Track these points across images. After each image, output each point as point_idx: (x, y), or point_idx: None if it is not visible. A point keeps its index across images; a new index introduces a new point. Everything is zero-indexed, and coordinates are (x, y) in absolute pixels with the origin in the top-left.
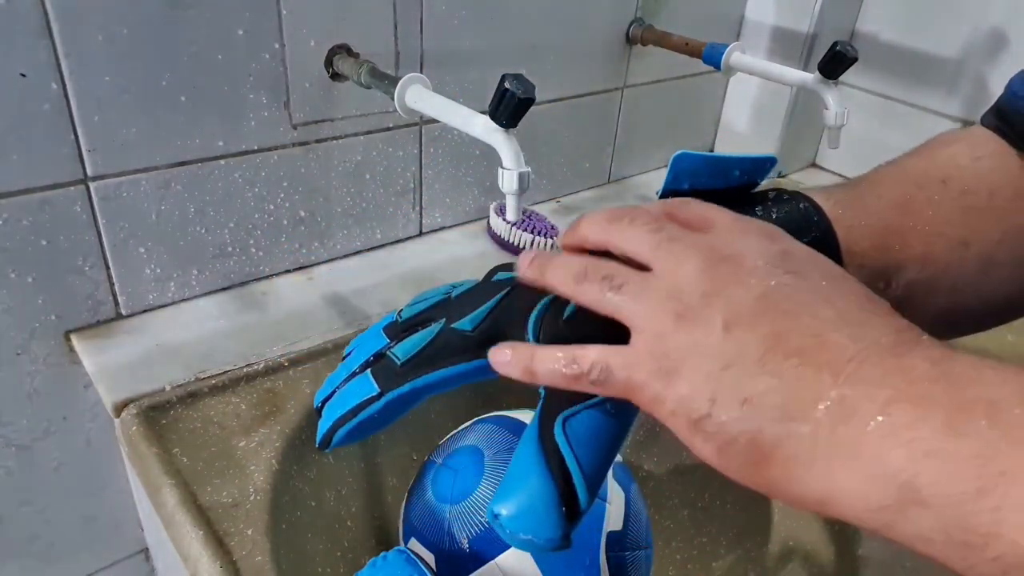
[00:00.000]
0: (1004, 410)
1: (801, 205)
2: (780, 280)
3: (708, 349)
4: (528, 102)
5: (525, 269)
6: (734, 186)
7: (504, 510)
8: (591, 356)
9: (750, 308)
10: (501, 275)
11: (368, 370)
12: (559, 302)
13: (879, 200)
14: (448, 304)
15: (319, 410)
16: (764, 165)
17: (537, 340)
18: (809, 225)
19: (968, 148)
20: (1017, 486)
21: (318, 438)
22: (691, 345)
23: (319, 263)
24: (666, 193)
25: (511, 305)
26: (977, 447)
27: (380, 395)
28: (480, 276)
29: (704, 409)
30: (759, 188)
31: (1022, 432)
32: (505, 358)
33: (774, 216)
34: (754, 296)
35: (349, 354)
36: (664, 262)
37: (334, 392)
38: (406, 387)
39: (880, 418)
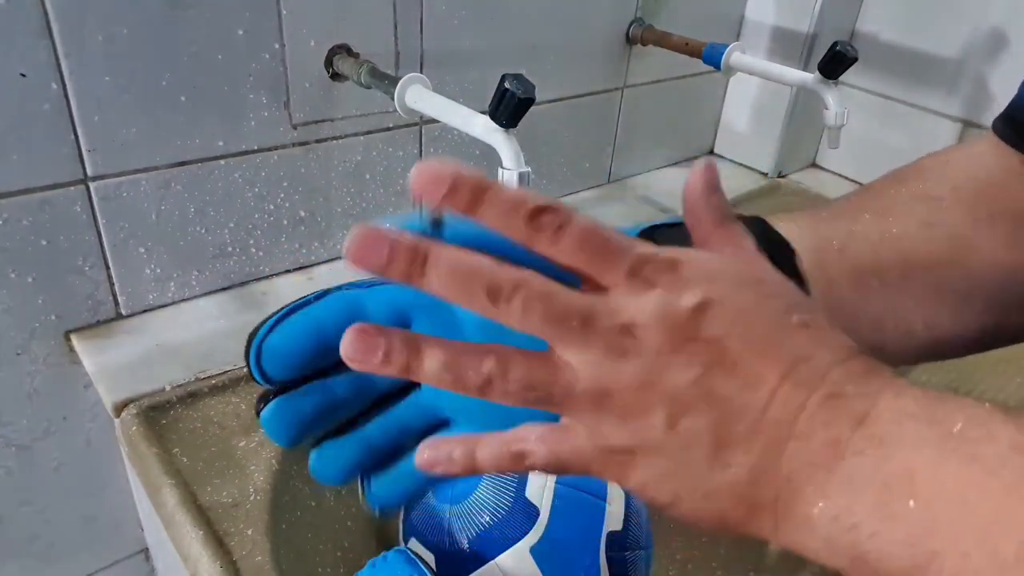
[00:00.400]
0: (924, 483)
1: (757, 230)
2: (713, 352)
3: (657, 448)
4: (528, 102)
5: (362, 353)
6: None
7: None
8: (539, 453)
9: (689, 396)
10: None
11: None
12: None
13: (849, 233)
14: None
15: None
16: None
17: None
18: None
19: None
20: (949, 560)
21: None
22: (638, 444)
23: (319, 263)
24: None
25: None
26: (906, 530)
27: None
28: None
29: (666, 500)
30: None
31: (943, 507)
32: (439, 459)
33: None
34: (690, 380)
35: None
36: (578, 359)
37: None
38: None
39: (821, 504)
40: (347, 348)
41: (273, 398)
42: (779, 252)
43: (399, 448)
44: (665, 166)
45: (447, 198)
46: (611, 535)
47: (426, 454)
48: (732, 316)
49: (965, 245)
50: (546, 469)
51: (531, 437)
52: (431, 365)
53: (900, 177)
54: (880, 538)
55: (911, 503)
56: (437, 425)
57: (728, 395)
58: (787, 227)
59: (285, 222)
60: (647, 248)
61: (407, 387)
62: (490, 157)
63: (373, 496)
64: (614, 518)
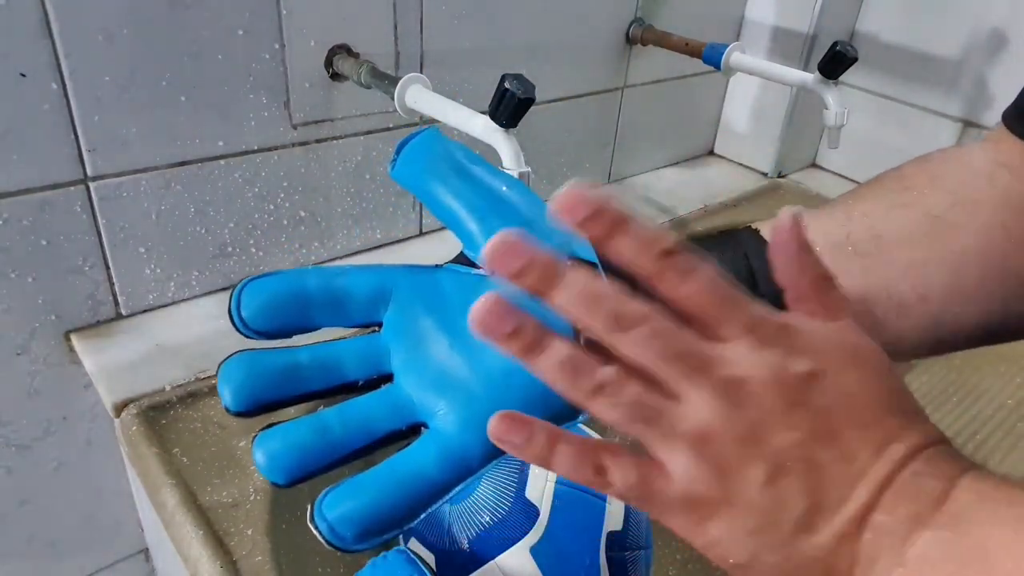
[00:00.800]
0: (999, 560)
1: (743, 237)
2: (818, 421)
3: (747, 504)
4: (528, 102)
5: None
6: None
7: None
8: (623, 477)
9: (790, 458)
10: None
11: None
12: None
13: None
14: None
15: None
16: None
17: None
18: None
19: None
20: None
21: None
22: (728, 497)
23: (319, 263)
24: None
25: None
26: None
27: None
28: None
29: (742, 558)
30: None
31: None
32: (518, 439)
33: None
34: (793, 442)
35: None
36: (691, 397)
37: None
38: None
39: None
40: (479, 311)
41: (237, 352)
42: (745, 240)
43: (359, 453)
44: (665, 166)
45: (588, 222)
46: (611, 535)
47: (502, 424)
48: (838, 389)
49: (942, 224)
50: (622, 496)
51: (621, 459)
52: (554, 354)
53: (878, 176)
54: None
55: None
56: (405, 431)
57: (825, 463)
58: (750, 224)
59: (285, 222)
60: (762, 308)
61: (377, 383)
62: (490, 157)
63: (321, 516)
64: (614, 518)
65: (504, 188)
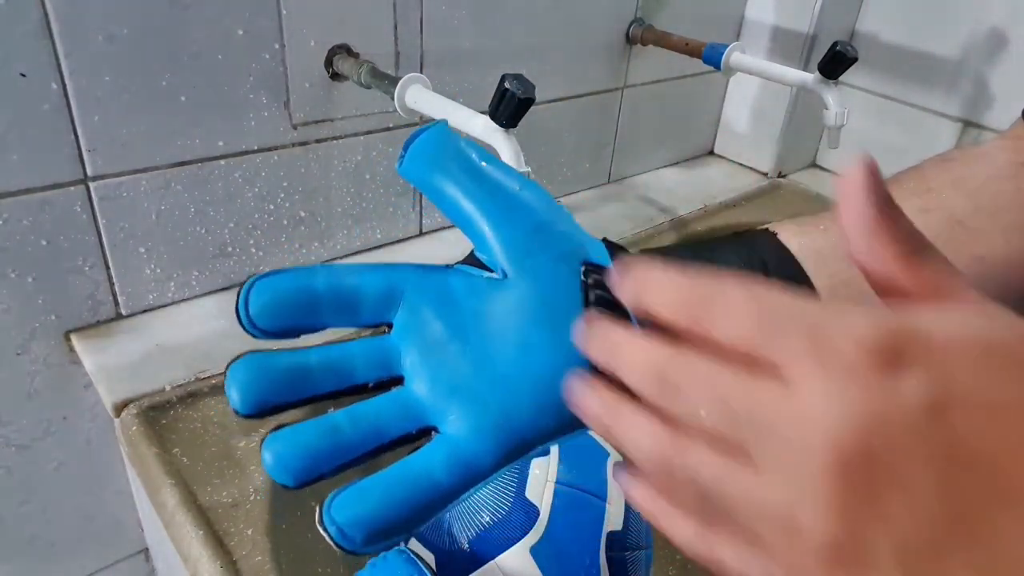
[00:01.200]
0: None
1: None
2: (960, 476)
3: None
4: (528, 102)
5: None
6: None
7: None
8: (728, 553)
9: (926, 543)
10: None
11: None
12: None
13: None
14: None
15: None
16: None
17: None
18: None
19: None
20: None
21: None
22: None
23: (319, 263)
24: None
25: None
26: None
27: None
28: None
29: None
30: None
31: None
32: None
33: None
34: (925, 520)
35: None
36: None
37: None
38: None
39: None
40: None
41: (246, 353)
42: (760, 242)
43: (369, 455)
44: (665, 166)
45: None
46: (611, 535)
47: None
48: (985, 413)
49: (965, 230)
50: (718, 567)
51: (724, 546)
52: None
53: (896, 176)
54: None
55: None
56: (415, 434)
57: (994, 536)
58: (767, 227)
59: (285, 222)
60: (828, 312)
61: (387, 384)
62: None
63: (331, 519)
64: (614, 518)
65: (517, 188)
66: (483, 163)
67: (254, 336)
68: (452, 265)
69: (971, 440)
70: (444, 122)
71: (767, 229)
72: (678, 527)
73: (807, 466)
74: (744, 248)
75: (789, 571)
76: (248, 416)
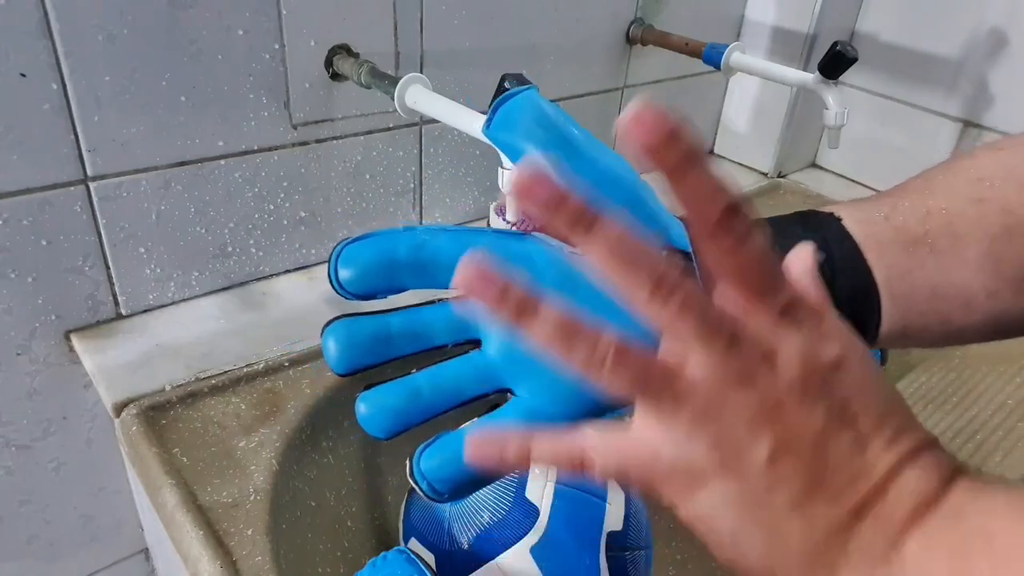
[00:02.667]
0: (1002, 544)
1: (833, 226)
2: (836, 407)
3: (742, 478)
4: None
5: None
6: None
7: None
8: (601, 461)
9: (799, 439)
10: None
11: None
12: None
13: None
14: None
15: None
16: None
17: None
18: (837, 247)
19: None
20: None
21: None
22: (724, 470)
23: (319, 263)
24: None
25: None
26: None
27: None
28: None
29: (723, 533)
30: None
31: (1019, 566)
32: (489, 455)
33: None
34: (807, 424)
35: None
36: (711, 369)
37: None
38: None
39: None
40: (463, 270)
41: (337, 319)
42: (825, 226)
43: (447, 412)
44: None
45: (662, 150)
46: (611, 535)
47: (473, 448)
48: (860, 380)
49: (1017, 221)
50: (604, 476)
51: (594, 443)
52: (546, 318)
53: (948, 164)
54: None
55: (987, 565)
56: (491, 395)
57: (835, 450)
58: (831, 209)
59: (285, 222)
60: (795, 290)
61: (464, 346)
62: (490, 157)
63: (420, 473)
64: (614, 518)
65: (606, 161)
66: (571, 131)
67: (344, 298)
68: (531, 233)
69: (846, 389)
70: (534, 88)
71: (832, 213)
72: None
73: (753, 363)
74: (811, 232)
75: (674, 421)
76: (342, 375)
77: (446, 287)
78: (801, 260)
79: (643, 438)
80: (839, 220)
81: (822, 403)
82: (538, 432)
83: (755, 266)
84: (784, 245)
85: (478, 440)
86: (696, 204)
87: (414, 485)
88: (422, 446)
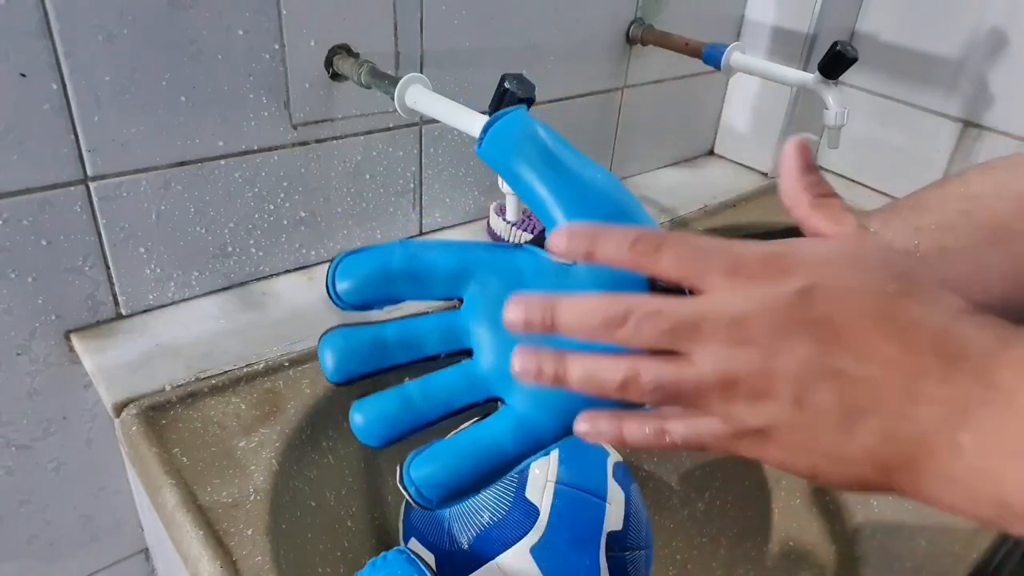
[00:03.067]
0: None
1: None
2: (822, 330)
3: (789, 426)
4: (528, 102)
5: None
6: None
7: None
8: (679, 432)
9: (808, 374)
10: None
11: None
12: None
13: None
14: None
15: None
16: None
17: None
18: None
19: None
20: None
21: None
22: (771, 424)
23: (319, 263)
24: None
25: None
26: None
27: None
28: None
29: (806, 471)
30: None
31: None
32: (591, 431)
33: None
34: (805, 358)
35: None
36: (699, 359)
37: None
38: None
39: (958, 460)
40: (515, 363)
41: (333, 329)
42: None
43: (439, 421)
44: (665, 166)
45: (572, 246)
46: (611, 535)
47: (583, 425)
48: (836, 295)
49: (1007, 232)
50: (687, 447)
51: (673, 418)
52: (576, 374)
53: (939, 183)
54: (1020, 487)
55: None
56: (482, 404)
57: (844, 368)
58: None
59: (285, 222)
60: (744, 247)
61: (457, 356)
62: None
63: (410, 479)
64: (614, 518)
65: (590, 176)
66: (558, 148)
67: (341, 309)
68: (521, 244)
69: (823, 307)
70: (523, 107)
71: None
72: (635, 432)
73: (723, 344)
74: None
75: (726, 420)
76: (338, 384)
77: (439, 298)
78: (795, 159)
79: (707, 415)
80: None
81: (806, 333)
82: (625, 413)
83: (679, 258)
84: None
85: (585, 420)
86: (616, 256)
87: (404, 492)
88: (413, 453)
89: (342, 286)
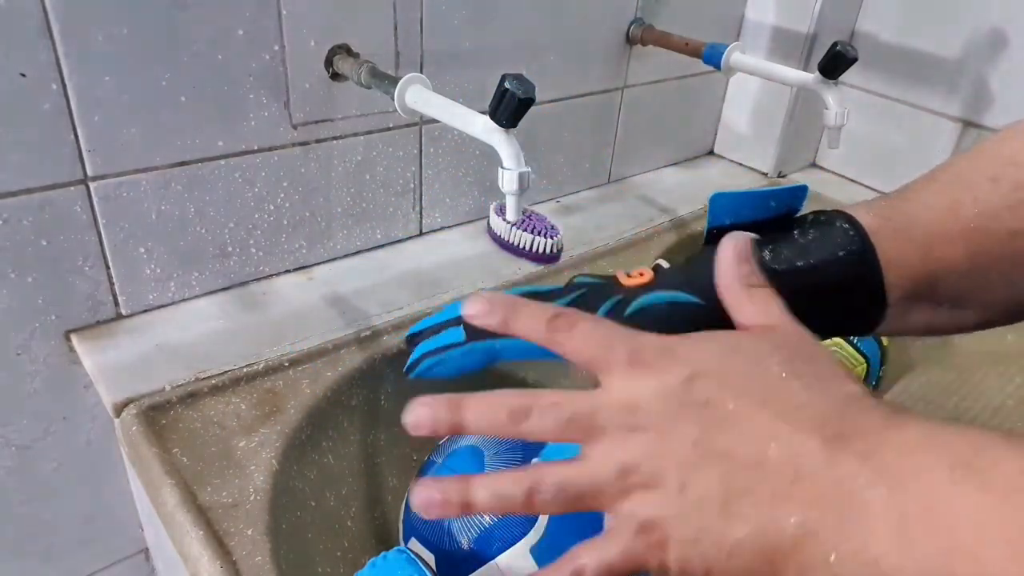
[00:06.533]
0: (942, 512)
1: (837, 224)
2: (707, 413)
3: (678, 516)
4: (528, 102)
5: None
6: (773, 216)
7: None
8: (592, 565)
9: (693, 456)
10: (580, 279)
11: (461, 324)
12: (623, 302)
13: (921, 207)
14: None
15: (409, 341)
16: (798, 194)
17: None
18: (845, 242)
19: None
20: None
21: (407, 365)
22: (663, 515)
23: (319, 263)
24: (711, 232)
25: (584, 304)
26: (928, 560)
27: (465, 343)
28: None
29: (700, 572)
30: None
31: (963, 535)
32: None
33: (809, 237)
34: (691, 440)
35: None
36: (595, 452)
37: (426, 331)
38: (487, 342)
39: (839, 545)
40: (416, 499)
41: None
42: (823, 219)
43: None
44: (665, 166)
45: (486, 318)
46: None
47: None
48: (721, 379)
49: (1000, 215)
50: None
51: (582, 554)
52: (481, 496)
53: (983, 145)
54: (904, 571)
55: (929, 533)
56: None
57: (728, 449)
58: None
59: (285, 222)
60: (646, 339)
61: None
62: (490, 157)
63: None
64: None
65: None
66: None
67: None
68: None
69: (708, 391)
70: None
71: (838, 210)
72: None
73: (617, 431)
74: (810, 225)
75: (625, 520)
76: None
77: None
78: (731, 251)
79: (613, 529)
80: (834, 210)
81: (692, 417)
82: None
83: (587, 340)
84: (782, 248)
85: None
86: (531, 330)
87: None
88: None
89: (420, 374)
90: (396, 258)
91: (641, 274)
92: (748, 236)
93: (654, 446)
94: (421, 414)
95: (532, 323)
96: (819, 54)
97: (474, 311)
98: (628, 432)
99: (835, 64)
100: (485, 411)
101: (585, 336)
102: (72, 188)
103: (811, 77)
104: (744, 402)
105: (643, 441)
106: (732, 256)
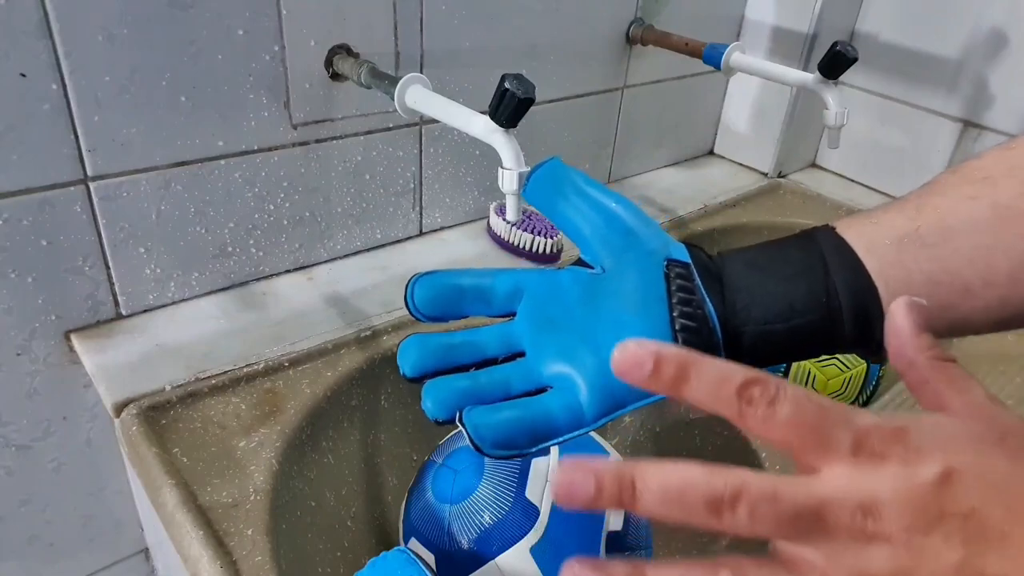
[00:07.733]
0: None
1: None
2: (972, 527)
3: None
4: (528, 102)
5: None
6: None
7: None
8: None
9: (944, 571)
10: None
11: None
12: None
13: (921, 261)
14: None
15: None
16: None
17: None
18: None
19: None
20: None
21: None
22: None
23: (319, 263)
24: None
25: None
26: None
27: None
28: None
29: None
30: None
31: None
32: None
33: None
34: (954, 563)
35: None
36: (826, 556)
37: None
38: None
39: None
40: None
41: (414, 334)
42: (818, 236)
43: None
44: (665, 166)
45: (652, 378)
46: (611, 535)
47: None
48: (983, 482)
49: (1009, 212)
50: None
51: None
52: None
53: (960, 166)
54: None
55: None
56: (533, 392)
57: (1003, 574)
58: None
59: (285, 222)
60: (867, 417)
61: (512, 358)
62: (490, 157)
63: (470, 420)
64: (614, 518)
65: (614, 205)
66: (587, 187)
67: (418, 320)
68: (563, 267)
69: (968, 499)
70: (557, 158)
71: (826, 224)
72: None
73: (852, 538)
74: (803, 242)
75: None
76: (411, 380)
77: (499, 314)
78: (907, 319)
79: None
80: (832, 228)
81: (953, 532)
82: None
83: (797, 421)
84: (783, 271)
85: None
86: (711, 404)
87: (463, 429)
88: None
89: (418, 299)
90: (396, 258)
91: None
92: (923, 303)
93: (903, 564)
94: (578, 480)
95: (715, 389)
96: (819, 54)
97: (628, 365)
98: (866, 541)
99: (835, 64)
100: (673, 495)
101: (791, 417)
102: (72, 188)
103: (811, 77)
104: (1018, 514)
105: (887, 557)
106: (908, 324)
